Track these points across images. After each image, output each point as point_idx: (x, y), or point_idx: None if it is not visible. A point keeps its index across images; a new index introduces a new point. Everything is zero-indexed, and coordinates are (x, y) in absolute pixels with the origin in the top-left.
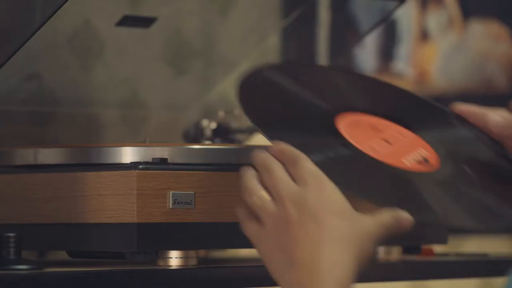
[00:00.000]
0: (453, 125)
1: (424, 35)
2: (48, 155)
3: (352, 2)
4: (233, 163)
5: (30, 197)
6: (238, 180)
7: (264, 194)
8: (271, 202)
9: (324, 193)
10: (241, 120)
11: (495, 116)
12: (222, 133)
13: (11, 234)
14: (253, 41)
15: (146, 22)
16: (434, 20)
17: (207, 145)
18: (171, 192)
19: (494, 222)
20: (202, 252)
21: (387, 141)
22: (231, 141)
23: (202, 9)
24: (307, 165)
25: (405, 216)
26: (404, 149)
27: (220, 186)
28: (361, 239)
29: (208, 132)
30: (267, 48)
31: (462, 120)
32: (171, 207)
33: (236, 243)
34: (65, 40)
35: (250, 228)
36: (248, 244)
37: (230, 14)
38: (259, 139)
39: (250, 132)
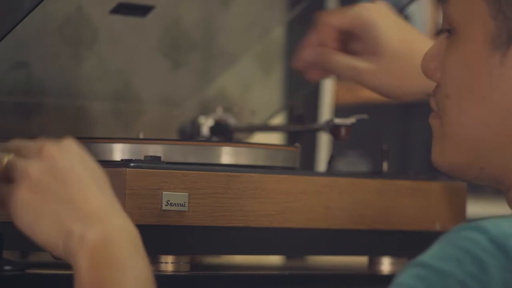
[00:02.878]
0: None
1: (438, 32)
2: None
3: None
4: (231, 163)
5: None
6: (235, 182)
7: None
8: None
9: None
10: (240, 117)
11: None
12: (220, 131)
13: None
14: (256, 34)
15: (142, 10)
16: None
17: (203, 143)
18: (163, 192)
19: None
20: (195, 258)
21: None
22: (229, 139)
23: None
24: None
25: None
26: None
27: (216, 188)
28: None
29: (205, 130)
30: (270, 42)
31: None
32: (163, 208)
33: (232, 248)
34: (56, 27)
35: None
36: (245, 250)
37: (231, 4)
38: (258, 138)
39: (249, 130)
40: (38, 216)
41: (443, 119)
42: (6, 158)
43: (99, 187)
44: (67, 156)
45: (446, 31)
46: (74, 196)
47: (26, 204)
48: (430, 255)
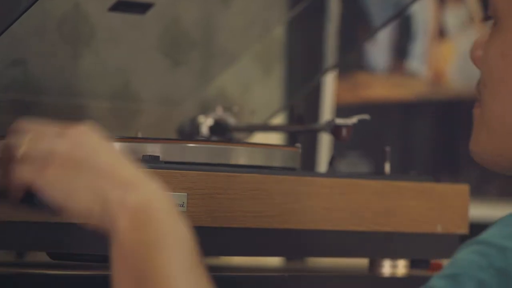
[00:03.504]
0: None
1: (441, 33)
2: None
3: None
4: (230, 163)
5: None
6: (234, 182)
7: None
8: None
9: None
10: (240, 117)
11: None
12: (220, 130)
13: None
14: (256, 33)
15: (141, 8)
16: (453, 16)
17: (202, 143)
18: None
19: None
20: None
21: None
22: (229, 139)
23: None
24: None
25: None
26: None
27: (215, 188)
28: None
29: (204, 129)
30: (270, 41)
31: None
32: None
33: (231, 250)
34: (54, 25)
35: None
36: (244, 251)
37: (231, 3)
38: (258, 138)
39: (249, 130)
40: (71, 190)
41: (482, 108)
42: (27, 139)
43: (126, 159)
44: (91, 135)
45: (489, 18)
46: (107, 167)
47: (59, 181)
48: (489, 234)
